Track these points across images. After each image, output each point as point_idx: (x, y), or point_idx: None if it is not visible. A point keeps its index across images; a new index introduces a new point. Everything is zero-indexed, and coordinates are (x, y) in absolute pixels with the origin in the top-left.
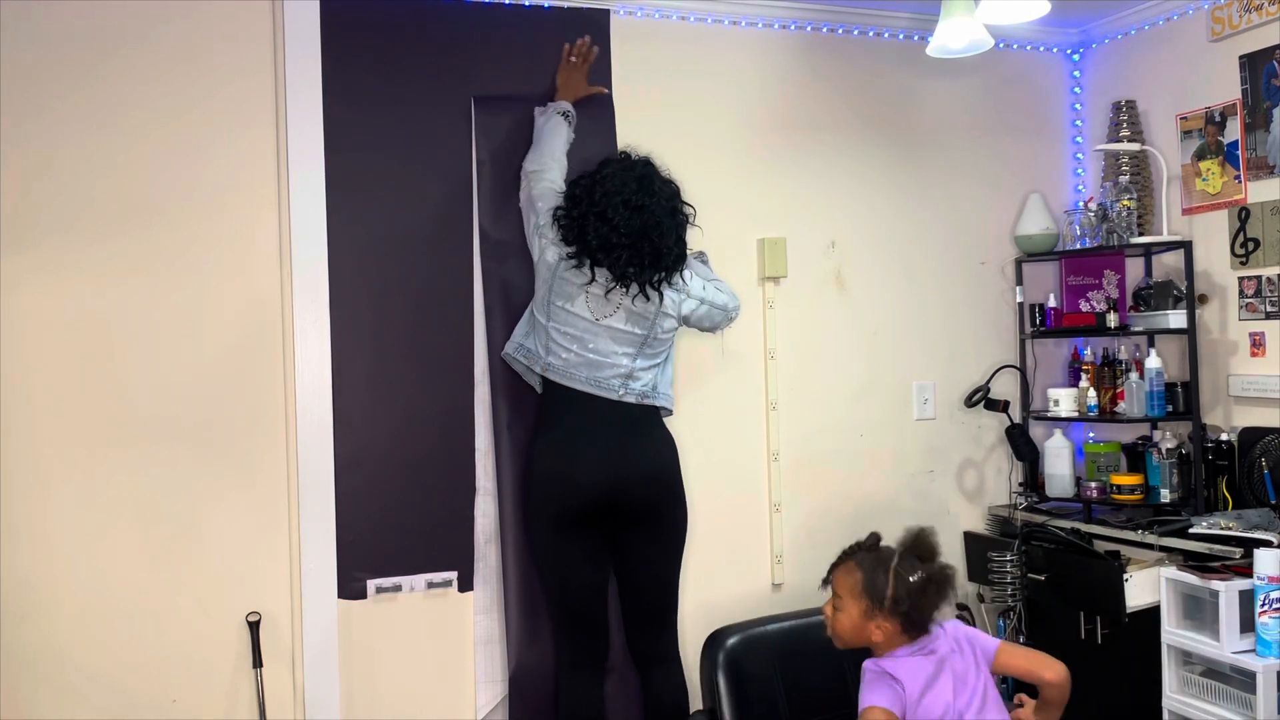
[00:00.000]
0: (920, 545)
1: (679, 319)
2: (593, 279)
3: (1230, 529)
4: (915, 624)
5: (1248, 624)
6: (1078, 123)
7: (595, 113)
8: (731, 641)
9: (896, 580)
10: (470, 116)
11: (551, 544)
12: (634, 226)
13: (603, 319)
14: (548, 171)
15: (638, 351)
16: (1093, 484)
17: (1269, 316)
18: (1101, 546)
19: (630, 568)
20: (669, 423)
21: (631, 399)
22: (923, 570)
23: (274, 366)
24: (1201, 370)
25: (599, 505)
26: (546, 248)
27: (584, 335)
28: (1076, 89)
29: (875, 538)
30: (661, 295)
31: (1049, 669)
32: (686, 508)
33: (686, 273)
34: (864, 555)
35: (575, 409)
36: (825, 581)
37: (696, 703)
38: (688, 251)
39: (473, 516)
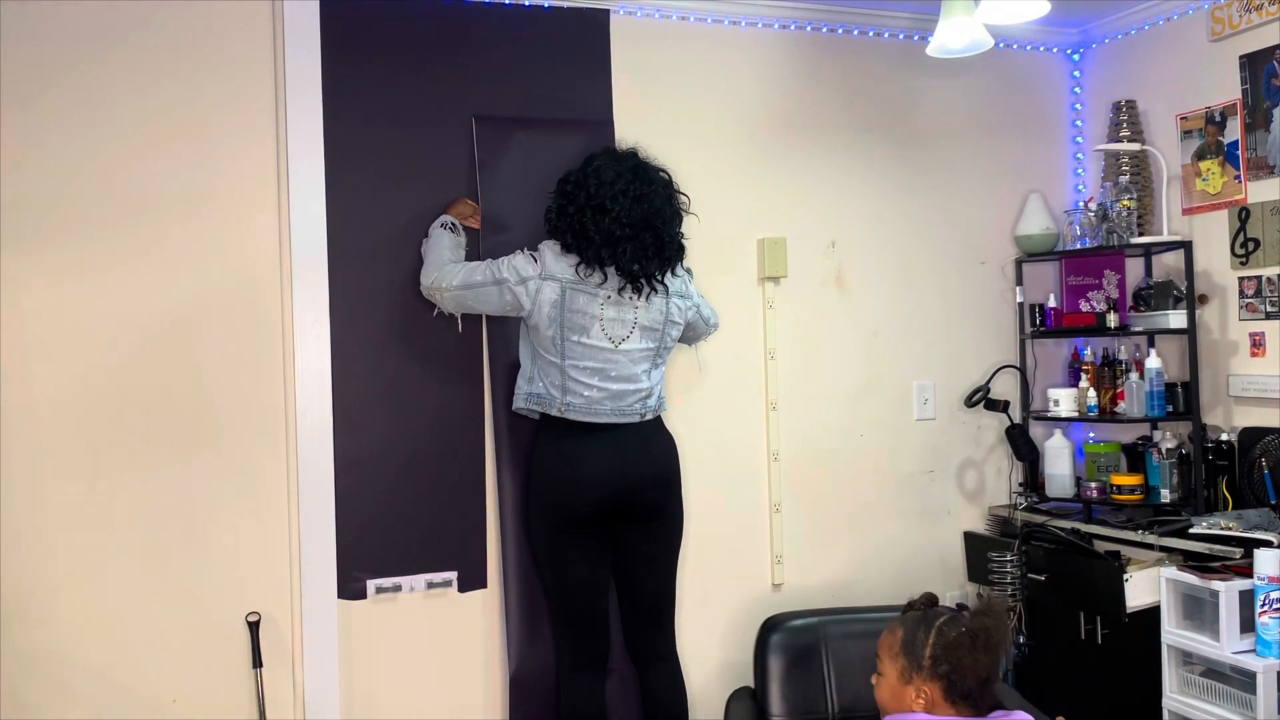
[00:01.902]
0: (990, 610)
1: (684, 325)
2: (605, 281)
3: (1230, 529)
4: (961, 691)
5: (1248, 624)
6: (1078, 123)
7: (595, 114)
8: (787, 626)
9: (937, 635)
10: (471, 115)
11: (557, 547)
12: (636, 216)
13: (621, 343)
14: (444, 267)
15: (652, 365)
16: (1093, 484)
17: (1269, 316)
18: (1101, 546)
19: (630, 567)
20: (668, 423)
21: (650, 415)
22: (967, 625)
23: (274, 366)
24: (1201, 370)
25: (607, 507)
26: (540, 286)
27: (605, 366)
28: (1076, 89)
29: (930, 598)
30: (667, 293)
31: None
32: (683, 506)
33: (688, 275)
34: (911, 614)
35: (590, 429)
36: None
37: (694, 701)
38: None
39: (485, 517)
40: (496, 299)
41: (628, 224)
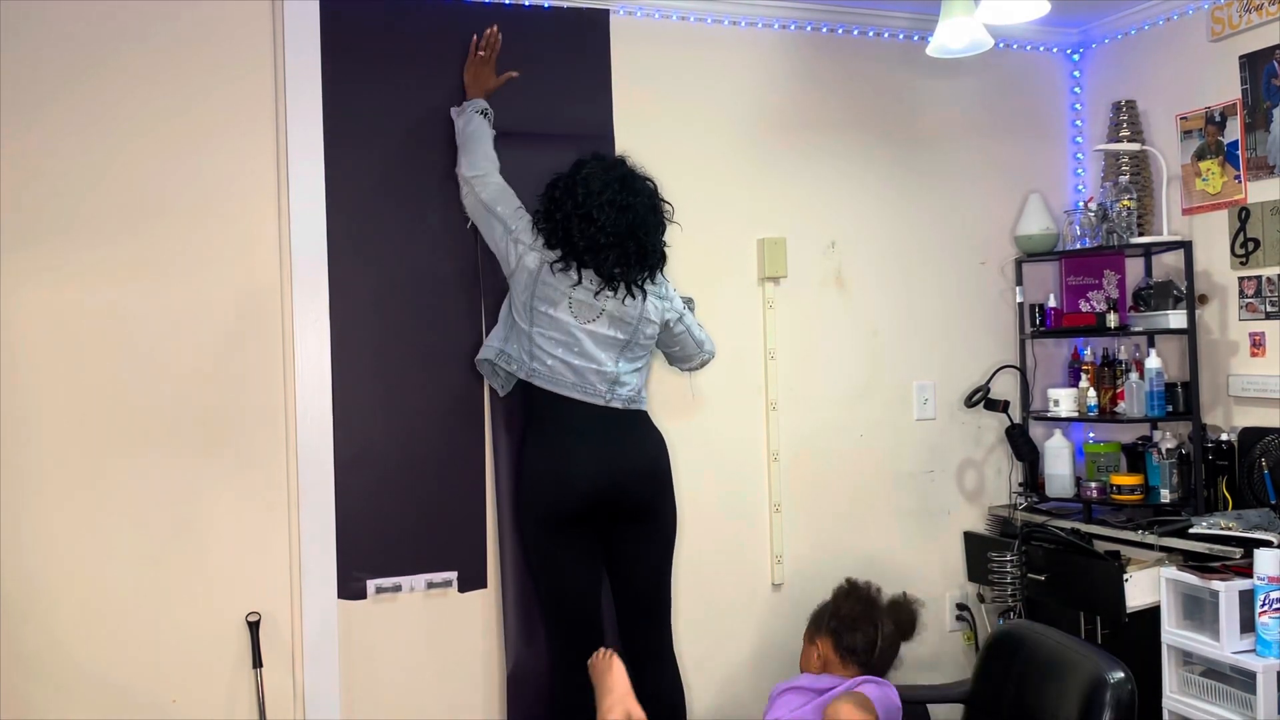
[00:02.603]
0: (899, 605)
1: (660, 325)
2: (579, 281)
3: (1230, 529)
4: (848, 645)
5: (1248, 624)
6: (1078, 123)
7: (594, 114)
8: None
9: (835, 601)
10: None
11: (547, 545)
12: (620, 226)
13: (586, 324)
14: (488, 175)
15: (619, 355)
16: (1093, 484)
17: (1269, 316)
18: (1101, 546)
19: (624, 565)
20: (665, 422)
21: (619, 404)
22: (850, 583)
23: (274, 366)
24: (1201, 370)
25: (595, 503)
26: (525, 253)
27: (568, 340)
28: (1076, 89)
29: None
30: (645, 295)
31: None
32: (675, 504)
33: (670, 284)
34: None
35: (565, 411)
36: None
37: (693, 700)
38: (677, 293)
39: (484, 517)
40: (494, 236)
41: (612, 233)
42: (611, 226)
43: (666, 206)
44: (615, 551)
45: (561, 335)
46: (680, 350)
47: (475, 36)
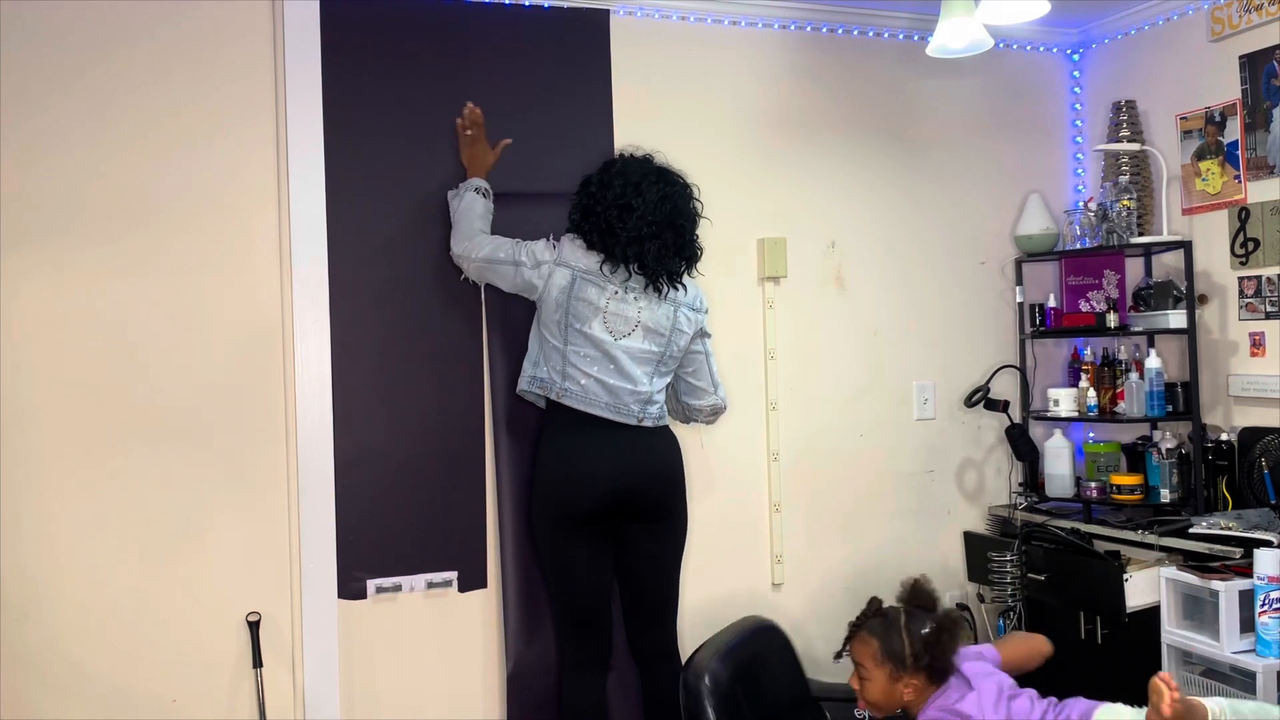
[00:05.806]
0: (920, 596)
1: (692, 335)
2: (629, 276)
3: (1230, 529)
4: (940, 671)
5: (1248, 624)
6: (1078, 123)
7: (594, 114)
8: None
9: (911, 637)
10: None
11: (561, 546)
12: (661, 215)
13: (622, 338)
14: (476, 238)
15: (654, 370)
16: (1093, 484)
17: (1269, 316)
18: (1101, 546)
19: (635, 566)
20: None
21: (650, 424)
22: (932, 621)
23: (274, 366)
24: (1201, 370)
25: (611, 505)
26: (552, 272)
27: (604, 359)
28: (1076, 89)
29: (876, 603)
30: (678, 302)
31: (1043, 644)
32: (687, 507)
33: (704, 295)
34: (874, 622)
35: (591, 427)
36: (839, 655)
37: None
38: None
39: (485, 517)
40: (510, 279)
41: (653, 222)
42: (653, 215)
43: (698, 203)
44: (626, 552)
45: (598, 353)
46: (694, 377)
47: (458, 120)
